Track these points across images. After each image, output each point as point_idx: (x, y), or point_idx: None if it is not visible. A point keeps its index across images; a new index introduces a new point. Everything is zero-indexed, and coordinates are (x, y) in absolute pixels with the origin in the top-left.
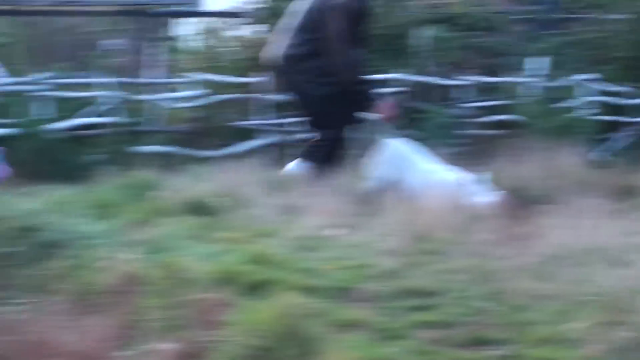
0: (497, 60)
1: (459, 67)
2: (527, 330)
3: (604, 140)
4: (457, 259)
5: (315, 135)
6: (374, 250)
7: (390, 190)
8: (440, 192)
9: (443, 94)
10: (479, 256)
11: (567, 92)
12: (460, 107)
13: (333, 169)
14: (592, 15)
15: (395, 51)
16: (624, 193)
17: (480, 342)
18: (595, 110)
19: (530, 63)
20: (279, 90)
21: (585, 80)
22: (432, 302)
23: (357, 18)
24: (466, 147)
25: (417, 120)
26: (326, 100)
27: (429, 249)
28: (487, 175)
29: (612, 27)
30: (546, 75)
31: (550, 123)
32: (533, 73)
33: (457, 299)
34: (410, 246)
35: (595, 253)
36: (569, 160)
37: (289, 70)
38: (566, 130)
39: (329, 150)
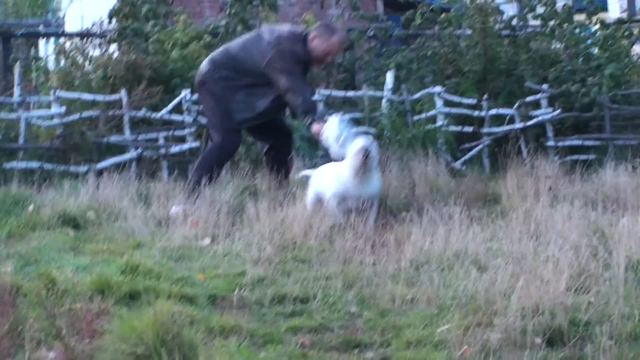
0: (353, 75)
1: (315, 82)
2: (398, 334)
3: (460, 150)
4: (326, 266)
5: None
6: (245, 259)
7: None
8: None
9: None
10: (348, 263)
11: (422, 105)
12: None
13: (213, 180)
14: (444, 31)
15: None
16: (483, 200)
17: (352, 346)
18: (450, 122)
19: (384, 77)
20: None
21: (439, 93)
22: (305, 308)
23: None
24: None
25: None
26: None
27: (298, 257)
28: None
29: (461, 42)
30: (399, 89)
31: (407, 134)
32: (388, 87)
33: (328, 304)
34: (279, 254)
35: (459, 258)
36: (428, 170)
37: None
38: (424, 141)
39: (217, 162)
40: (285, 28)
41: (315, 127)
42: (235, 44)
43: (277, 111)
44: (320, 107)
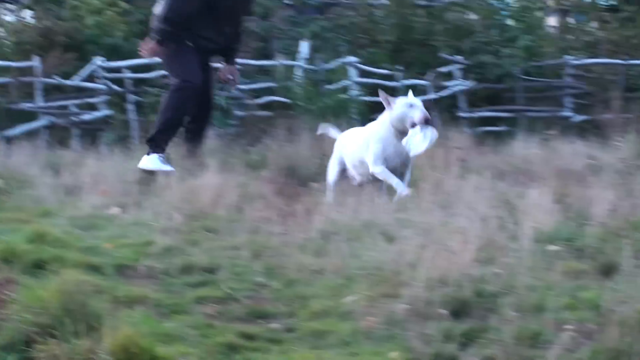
0: (266, 44)
1: None
2: (304, 304)
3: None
4: (234, 236)
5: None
6: (153, 229)
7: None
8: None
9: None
10: (256, 233)
11: (335, 75)
12: (233, 90)
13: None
14: (356, 1)
15: None
16: None
17: (259, 316)
18: (363, 92)
19: (298, 47)
20: None
21: (352, 62)
22: (212, 278)
23: None
24: (240, 127)
25: None
26: None
27: (206, 226)
28: None
29: (376, 11)
30: (313, 59)
31: (319, 104)
32: (302, 56)
33: (235, 274)
34: (188, 224)
35: (368, 229)
36: None
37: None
38: (336, 111)
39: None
40: None
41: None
42: None
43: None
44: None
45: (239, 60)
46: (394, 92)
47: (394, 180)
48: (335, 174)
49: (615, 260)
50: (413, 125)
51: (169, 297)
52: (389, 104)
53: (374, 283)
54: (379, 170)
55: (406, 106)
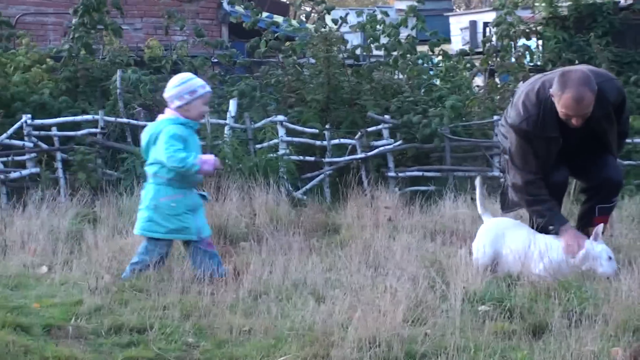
0: None
1: (157, 109)
2: None
3: (302, 179)
4: (164, 295)
5: None
6: (82, 288)
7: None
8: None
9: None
10: (186, 292)
11: (265, 133)
12: None
13: None
14: (288, 60)
15: (93, 93)
16: (323, 230)
17: None
18: (291, 151)
19: (226, 105)
20: None
21: (282, 121)
22: (142, 338)
23: None
24: None
25: (117, 161)
26: None
27: (136, 286)
28: None
29: (304, 70)
30: (242, 117)
31: (248, 163)
32: (230, 115)
33: (165, 334)
34: (118, 283)
35: (298, 289)
36: (268, 199)
37: None
38: (265, 170)
39: None
40: None
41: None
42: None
43: None
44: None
45: None
46: (322, 152)
47: None
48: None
49: (545, 320)
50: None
51: (98, 358)
52: (596, 239)
53: (304, 343)
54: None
55: (607, 256)
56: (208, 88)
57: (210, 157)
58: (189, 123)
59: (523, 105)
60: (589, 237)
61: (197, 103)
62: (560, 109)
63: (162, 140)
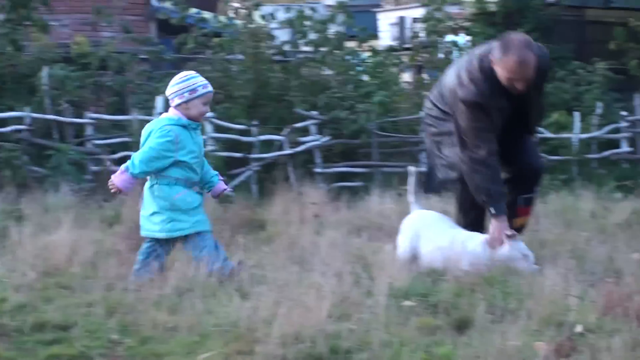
0: (122, 98)
1: (84, 105)
2: None
3: (229, 175)
4: (88, 292)
5: None
6: (6, 285)
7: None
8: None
9: (71, 132)
10: (110, 290)
11: None
12: (88, 145)
13: None
14: (216, 56)
15: (20, 89)
16: (249, 227)
17: None
18: (219, 147)
19: (154, 102)
20: None
21: (209, 117)
22: (65, 336)
23: None
24: (95, 183)
25: (43, 158)
26: None
27: (60, 283)
28: None
29: (232, 67)
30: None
31: None
32: (157, 111)
33: (90, 332)
34: (42, 280)
35: (223, 285)
36: None
37: None
38: None
39: None
40: None
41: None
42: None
43: None
44: None
45: (93, 115)
46: (249, 148)
47: None
48: None
49: (470, 316)
50: None
51: (21, 355)
52: (509, 237)
53: (228, 340)
54: None
55: (522, 255)
56: (210, 88)
57: (124, 184)
58: (191, 125)
59: (470, 81)
60: (515, 229)
61: (197, 102)
62: (504, 74)
63: (154, 136)
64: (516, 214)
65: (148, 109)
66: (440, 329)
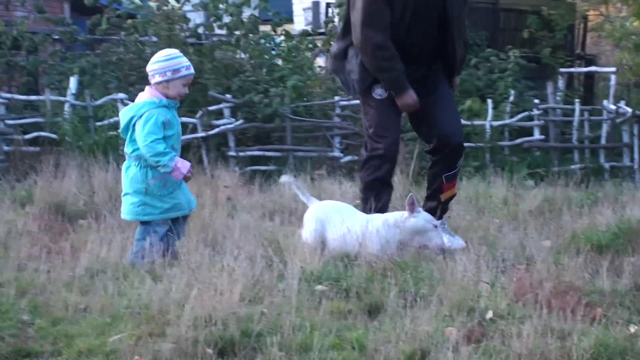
0: (34, 78)
1: None
2: (69, 343)
3: None
4: (0, 272)
5: None
6: None
7: None
8: None
9: None
10: (22, 270)
11: (105, 111)
12: (0, 124)
13: None
14: (129, 38)
15: None
16: None
17: (24, 355)
18: None
19: (67, 82)
20: None
21: (123, 99)
22: None
23: None
24: (6, 163)
25: None
26: None
27: None
28: None
29: (146, 49)
30: (82, 95)
31: (88, 141)
32: (70, 92)
33: (1, 312)
34: None
35: (135, 267)
36: (108, 177)
37: None
38: (105, 148)
39: None
40: None
41: None
42: None
43: None
44: None
45: (6, 95)
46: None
47: None
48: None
49: (381, 301)
50: (421, 246)
51: None
52: (413, 210)
53: (140, 322)
54: None
55: (432, 226)
56: (192, 70)
57: (186, 164)
58: (171, 104)
59: None
60: (440, 202)
61: (177, 82)
62: None
63: (141, 125)
64: (442, 190)
65: (61, 90)
66: (351, 313)
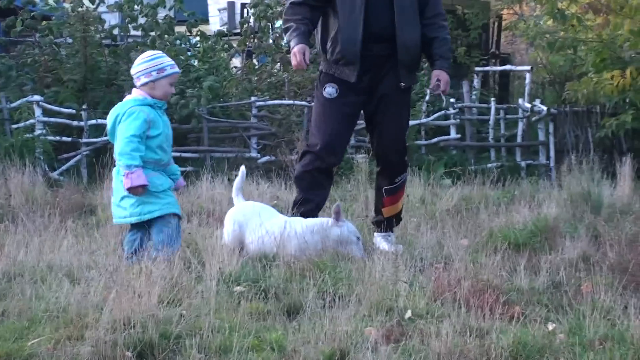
0: None
1: None
2: None
3: (59, 160)
4: None
5: None
6: None
7: None
8: None
9: None
10: None
11: (21, 114)
12: None
13: None
14: (44, 39)
15: None
16: (79, 211)
17: None
18: (48, 131)
19: None
20: None
21: (38, 101)
22: None
23: None
24: None
25: None
26: None
27: None
28: None
29: (62, 50)
30: None
31: (4, 144)
32: None
33: None
34: None
35: (53, 270)
36: (24, 180)
37: None
38: (21, 150)
39: None
40: None
41: None
42: None
43: None
44: None
45: None
46: (79, 132)
47: None
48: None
49: (300, 301)
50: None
51: None
52: (337, 219)
53: (58, 325)
54: None
55: (355, 239)
56: (177, 68)
57: (140, 179)
58: (157, 104)
59: None
60: (387, 219)
61: (163, 82)
62: None
63: (123, 121)
64: (383, 204)
65: None
66: (270, 314)
